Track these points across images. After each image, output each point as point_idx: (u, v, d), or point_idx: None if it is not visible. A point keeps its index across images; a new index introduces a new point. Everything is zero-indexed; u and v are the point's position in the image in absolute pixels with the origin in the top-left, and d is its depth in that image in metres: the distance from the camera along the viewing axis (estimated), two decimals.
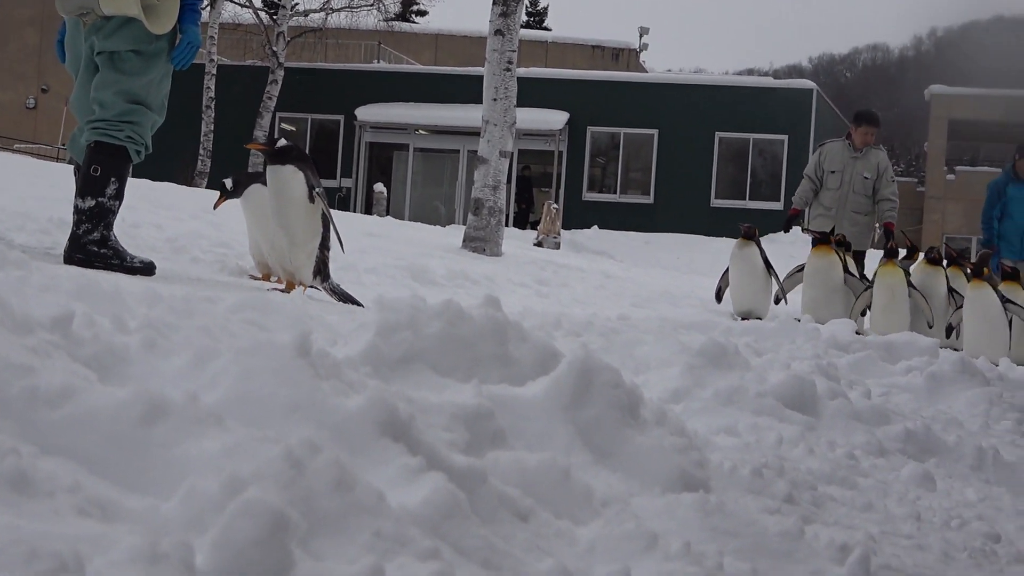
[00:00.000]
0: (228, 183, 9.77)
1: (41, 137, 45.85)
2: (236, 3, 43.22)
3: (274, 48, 38.55)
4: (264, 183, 9.22)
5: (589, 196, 41.49)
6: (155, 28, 8.23)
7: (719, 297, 14.40)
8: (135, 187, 8.38)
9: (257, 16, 43.29)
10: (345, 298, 8.88)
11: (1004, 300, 12.41)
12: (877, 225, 15.11)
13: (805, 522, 3.87)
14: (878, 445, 5.44)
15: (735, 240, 14.52)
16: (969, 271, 12.87)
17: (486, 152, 17.43)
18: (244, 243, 10.40)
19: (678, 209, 39.77)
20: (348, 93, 42.22)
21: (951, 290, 13.30)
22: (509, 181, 18.22)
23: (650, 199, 41.09)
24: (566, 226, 33.83)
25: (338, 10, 44.86)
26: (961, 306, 12.78)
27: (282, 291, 8.64)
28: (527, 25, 61.26)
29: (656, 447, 3.94)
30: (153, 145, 8.42)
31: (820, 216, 14.72)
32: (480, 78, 18.27)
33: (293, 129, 42.53)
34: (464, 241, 17.29)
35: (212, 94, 36.27)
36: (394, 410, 3.17)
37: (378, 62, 48.97)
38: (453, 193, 41.61)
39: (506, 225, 18.95)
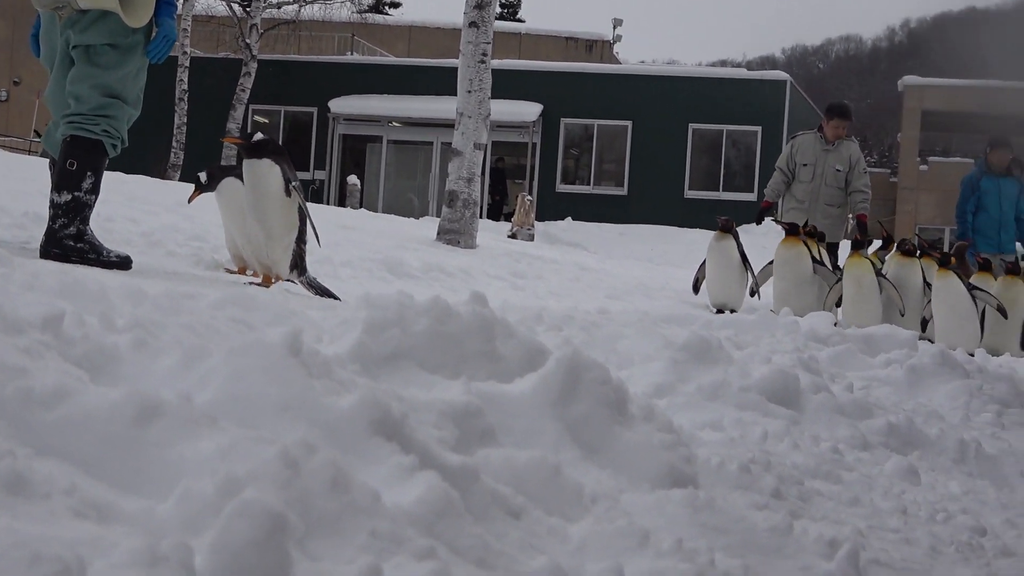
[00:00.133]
0: (202, 176, 9.74)
1: (13, 130, 45.67)
2: None
3: (247, 40, 38.47)
4: (238, 176, 9.20)
5: (563, 188, 41.49)
6: (132, 21, 8.19)
7: (696, 288, 14.41)
8: (108, 180, 8.36)
9: (230, 8, 43.21)
10: (322, 292, 8.86)
11: (971, 288, 12.45)
12: (850, 216, 15.15)
13: (793, 517, 3.87)
14: (862, 439, 5.44)
15: (711, 232, 14.53)
16: (937, 260, 12.90)
17: (460, 144, 17.40)
18: (219, 236, 10.37)
19: (652, 201, 39.80)
20: (321, 85, 42.14)
21: (926, 282, 13.33)
22: (483, 173, 18.16)
23: (624, 191, 41.12)
24: (540, 218, 33.85)
25: (311, 2, 44.81)
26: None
27: (259, 285, 8.62)
28: (500, 17, 61.25)
29: (644, 443, 3.94)
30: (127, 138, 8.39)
31: (793, 209, 14.75)
32: (454, 70, 18.24)
33: (266, 121, 42.44)
34: (438, 233, 17.26)
35: (185, 87, 36.18)
36: (387, 409, 3.16)
37: (352, 54, 48.91)
38: (427, 185, 41.58)
39: (480, 217, 18.92)
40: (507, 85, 35.70)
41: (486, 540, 2.96)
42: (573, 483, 3.54)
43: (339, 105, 41.87)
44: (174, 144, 35.55)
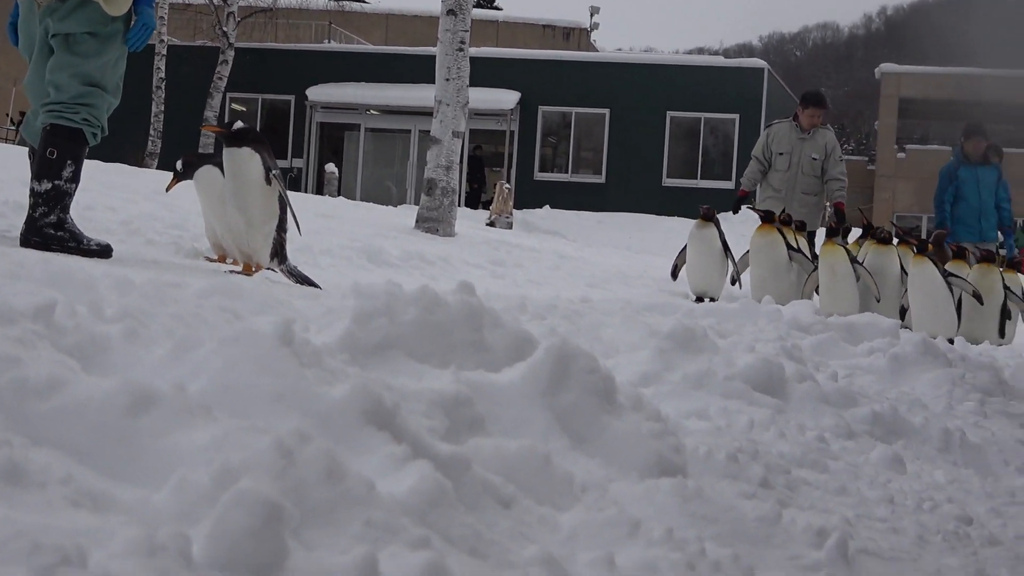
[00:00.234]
0: (179, 165, 9.73)
1: None
2: None
3: (224, 28, 38.33)
4: (216, 164, 9.20)
5: (541, 176, 41.46)
6: (112, 9, 8.17)
7: (675, 275, 14.43)
8: (87, 168, 8.33)
9: None
10: (302, 280, 8.85)
11: (947, 275, 12.48)
12: (828, 204, 15.16)
13: (781, 506, 3.88)
14: (847, 428, 5.45)
15: (689, 220, 14.54)
16: (914, 247, 12.93)
17: (439, 132, 17.37)
18: (198, 225, 10.34)
19: (630, 189, 39.79)
20: (299, 73, 42.04)
21: (904, 270, 13.36)
22: (461, 161, 18.12)
23: (602, 179, 41.11)
24: (518, 206, 33.80)
25: None
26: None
27: (239, 273, 8.61)
28: (478, 4, 61.15)
29: (633, 432, 3.95)
30: None
31: (770, 198, 14.77)
32: (431, 58, 18.19)
33: (243, 109, 42.34)
34: (417, 221, 17.23)
35: (162, 75, 36.03)
36: (379, 398, 3.16)
37: (329, 42, 48.78)
38: (404, 173, 41.52)
39: (458, 205, 18.91)
40: (485, 73, 35.66)
41: (478, 529, 2.96)
42: (563, 472, 3.54)
43: (317, 93, 41.78)
44: (152, 132, 35.41)
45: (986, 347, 10.21)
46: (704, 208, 14.27)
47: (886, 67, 56.62)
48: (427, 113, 21.33)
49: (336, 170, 36.16)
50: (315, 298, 6.17)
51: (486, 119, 40.37)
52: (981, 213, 15.50)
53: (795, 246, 13.52)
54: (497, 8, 67.73)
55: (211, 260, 9.52)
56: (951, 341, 9.66)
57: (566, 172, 41.70)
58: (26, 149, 8.79)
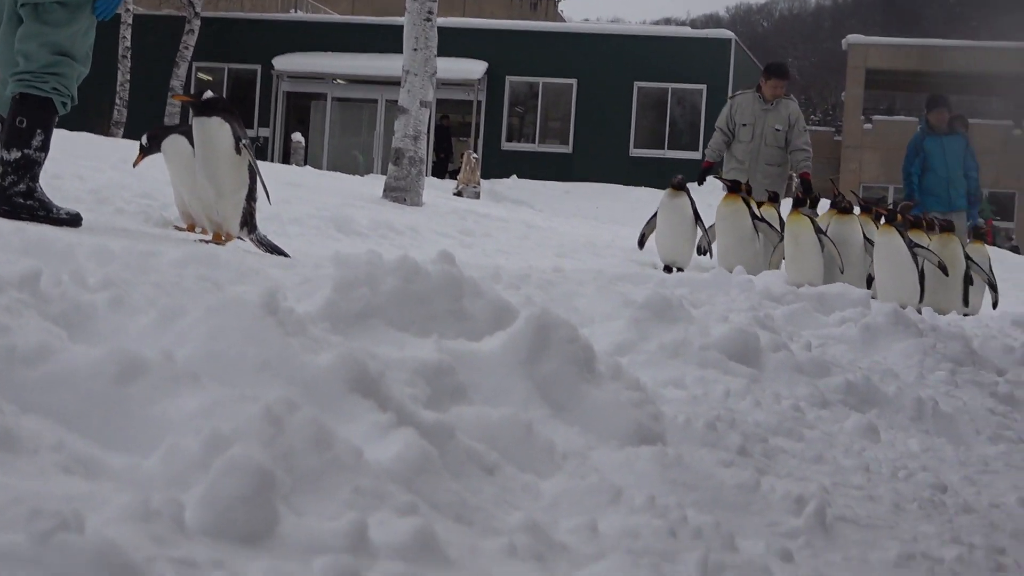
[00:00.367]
0: (144, 140, 9.72)
1: None
2: None
3: None
4: (182, 133, 9.20)
5: (508, 146, 41.44)
6: None
7: (642, 244, 14.44)
8: (54, 138, 8.31)
9: None
10: (272, 249, 8.85)
11: (913, 245, 12.54)
12: (794, 174, 15.19)
13: (760, 474, 3.91)
14: (821, 397, 5.48)
15: (656, 190, 14.57)
16: (883, 215, 12.98)
17: (406, 102, 17.34)
18: (167, 194, 10.33)
19: (597, 159, 39.79)
20: (265, 43, 41.88)
21: (866, 237, 13.43)
22: (428, 131, 18.10)
23: (569, 149, 41.10)
24: (485, 176, 33.75)
25: None
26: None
27: (209, 242, 8.60)
28: None
29: (612, 401, 3.97)
30: None
31: (734, 170, 14.77)
32: (398, 28, 18.14)
33: (210, 79, 42.17)
34: (385, 191, 17.21)
35: (128, 44, 35.85)
36: (364, 367, 3.18)
37: (295, 12, 48.60)
38: (371, 142, 41.43)
39: (425, 175, 18.89)
40: (452, 43, 35.56)
41: (463, 496, 2.99)
42: (544, 440, 3.56)
43: (283, 63, 41.64)
44: (117, 101, 35.26)
45: (954, 317, 10.26)
46: (678, 178, 14.28)
47: (853, 38, 56.71)
48: (394, 83, 21.30)
49: (303, 139, 36.09)
50: (290, 267, 6.17)
51: (453, 89, 40.31)
52: (949, 183, 15.55)
53: (760, 216, 13.57)
54: None
55: (180, 229, 9.51)
56: (919, 311, 9.72)
57: (533, 142, 41.69)
58: None
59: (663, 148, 40.55)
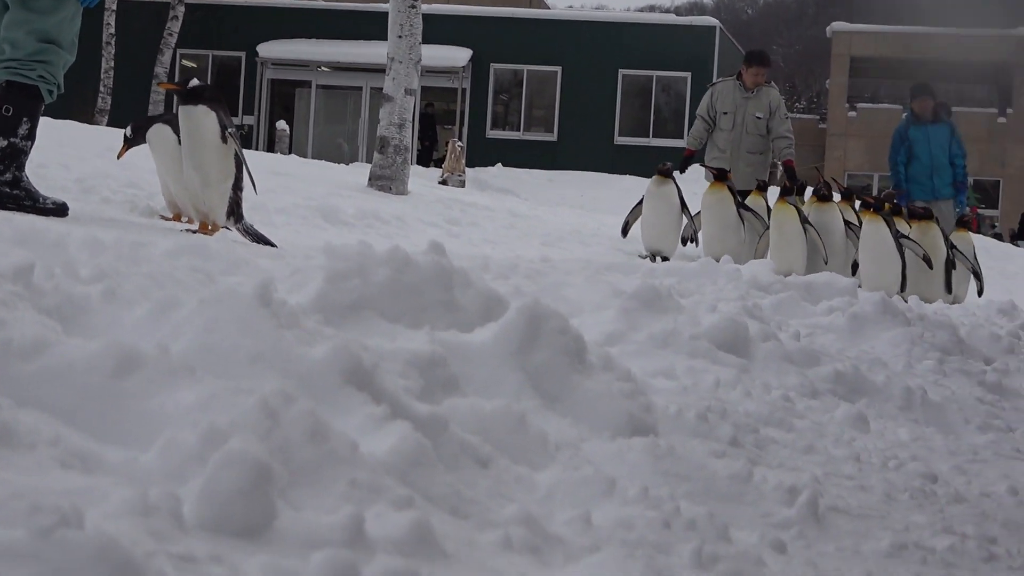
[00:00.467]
0: (128, 131, 9.70)
1: None
2: None
3: None
4: (167, 122, 9.19)
5: (493, 134, 41.40)
6: None
7: (625, 232, 14.43)
8: (39, 126, 8.30)
9: None
10: (259, 239, 8.84)
11: (899, 236, 12.57)
12: (778, 161, 15.19)
13: (752, 465, 3.91)
14: (810, 386, 5.48)
15: (642, 179, 14.56)
16: (871, 204, 13.01)
17: (391, 90, 17.28)
18: (152, 183, 10.30)
19: (582, 147, 39.77)
20: (250, 30, 41.79)
21: (847, 223, 13.47)
22: (413, 119, 18.06)
23: (554, 136, 41.08)
24: (470, 164, 33.67)
25: None
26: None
27: (195, 231, 8.59)
28: None
29: (604, 392, 3.97)
30: None
31: (716, 158, 14.76)
32: (383, 14, 18.08)
33: (194, 66, 42.07)
34: (370, 180, 17.15)
35: (112, 31, 35.72)
36: (358, 359, 3.18)
37: None
38: (356, 130, 41.37)
39: (411, 163, 18.84)
40: (437, 30, 35.47)
41: (458, 489, 2.99)
42: (537, 432, 3.57)
43: (267, 50, 41.56)
44: (101, 89, 35.12)
45: (940, 306, 10.27)
46: (665, 165, 14.26)
47: (837, 26, 56.77)
48: (378, 70, 21.23)
49: (287, 127, 36.01)
50: (279, 258, 6.17)
51: (437, 76, 40.24)
52: (933, 171, 15.55)
53: (745, 204, 13.59)
54: None
55: (166, 219, 9.50)
56: (905, 300, 9.73)
57: (518, 130, 41.66)
58: None
59: (648, 136, 40.54)
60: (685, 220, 13.98)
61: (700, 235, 13.96)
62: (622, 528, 3.09)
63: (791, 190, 13.32)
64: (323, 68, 41.71)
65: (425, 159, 39.11)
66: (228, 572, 2.18)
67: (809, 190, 15.04)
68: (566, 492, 3.27)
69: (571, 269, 7.79)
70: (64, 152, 12.50)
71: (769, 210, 13.53)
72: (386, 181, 16.93)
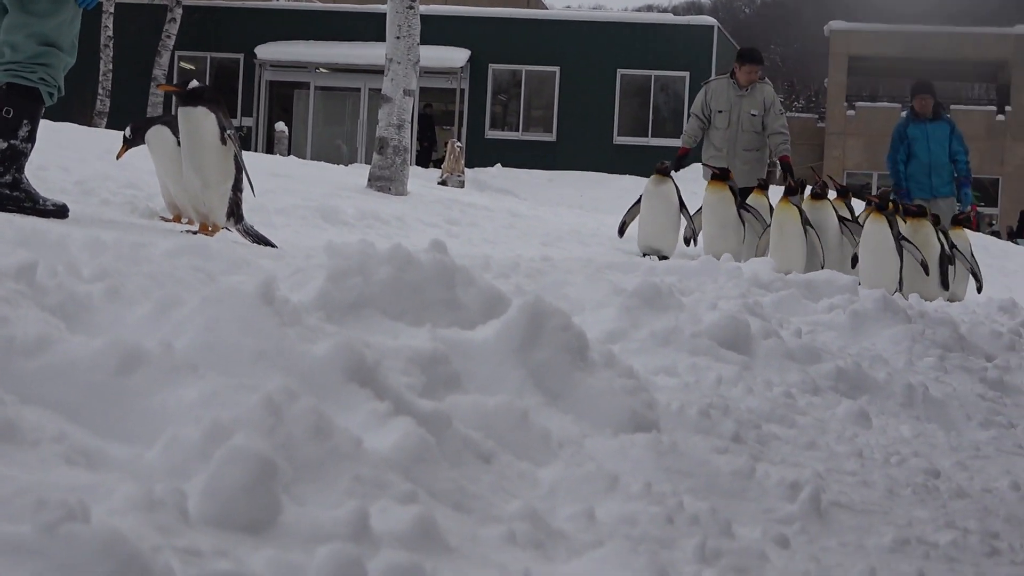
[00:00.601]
0: (128, 132, 9.71)
1: None
2: None
3: None
4: (165, 123, 9.19)
5: (491, 134, 41.40)
6: None
7: (622, 232, 14.43)
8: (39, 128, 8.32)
9: None
10: (259, 239, 8.84)
11: (900, 238, 12.61)
12: (776, 160, 15.17)
13: (754, 461, 3.92)
14: (812, 383, 5.49)
15: (641, 179, 14.54)
16: (874, 204, 13.03)
17: (390, 91, 17.27)
18: (152, 184, 10.31)
19: (581, 147, 39.78)
20: (248, 31, 41.79)
21: (842, 220, 13.50)
22: (412, 120, 18.04)
23: (553, 137, 41.09)
24: (469, 164, 33.67)
25: None
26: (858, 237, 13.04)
27: (195, 233, 8.60)
28: None
29: (606, 389, 3.98)
30: None
31: (712, 157, 14.74)
32: (380, 15, 18.08)
33: (192, 68, 42.08)
34: (369, 180, 17.15)
35: (110, 33, 35.74)
36: (361, 356, 3.19)
37: (277, 0, 48.51)
38: (355, 132, 41.38)
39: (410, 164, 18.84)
40: (435, 31, 35.48)
41: (462, 484, 3.00)
42: (540, 428, 3.57)
43: (265, 51, 41.55)
44: (100, 91, 35.14)
45: (940, 304, 10.28)
46: (663, 164, 14.25)
47: (835, 24, 56.80)
48: (377, 71, 21.24)
49: (286, 129, 36.00)
50: (280, 258, 6.18)
51: (436, 77, 40.24)
52: (932, 169, 15.52)
53: (745, 204, 13.60)
54: None
55: (166, 220, 9.50)
56: (906, 299, 9.74)
57: (517, 130, 41.66)
58: None
59: (647, 136, 40.54)
60: (683, 219, 13.97)
61: (700, 234, 13.95)
62: (625, 523, 3.09)
63: (795, 190, 13.32)
64: (321, 69, 41.71)
65: (424, 160, 39.12)
66: (233, 566, 2.19)
67: (808, 189, 15.06)
68: (569, 488, 3.28)
69: (572, 268, 7.80)
70: (64, 154, 12.50)
71: (771, 209, 13.54)
72: (385, 182, 16.93)
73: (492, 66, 41.47)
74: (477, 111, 41.45)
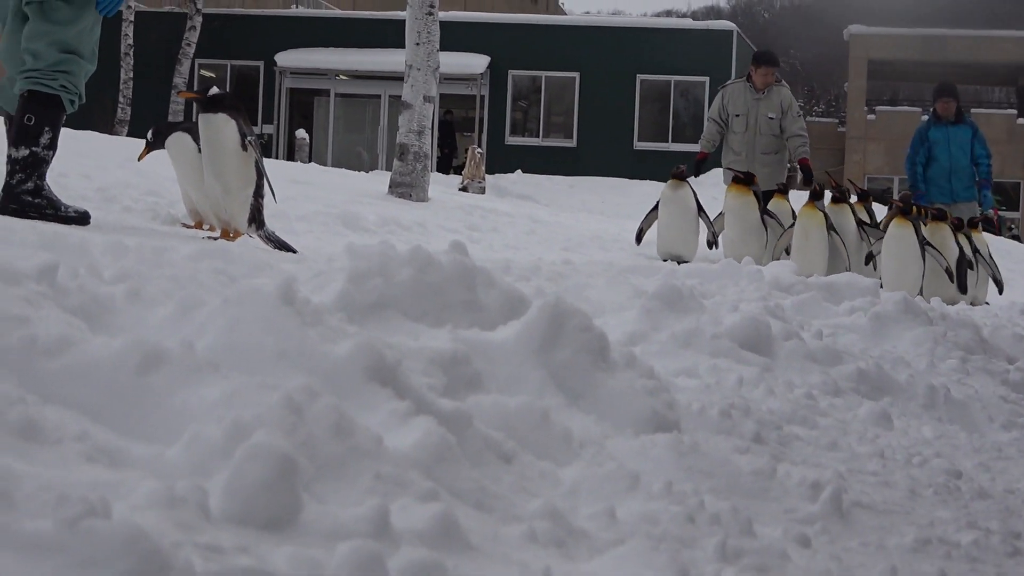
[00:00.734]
0: (150, 135, 9.75)
1: None
2: None
3: None
4: (187, 130, 9.22)
5: (512, 140, 41.43)
6: None
7: (639, 239, 14.39)
8: (60, 136, 8.34)
9: None
10: (280, 245, 8.85)
11: (924, 243, 12.59)
12: (797, 164, 15.14)
13: (776, 461, 3.92)
14: (833, 385, 5.48)
15: (661, 184, 14.48)
16: (899, 208, 13.01)
17: (410, 97, 17.30)
18: (174, 191, 10.34)
19: (601, 152, 39.78)
20: (268, 39, 41.88)
21: (860, 223, 13.48)
22: (432, 126, 18.06)
23: (573, 142, 41.11)
24: (489, 170, 33.74)
25: None
26: (876, 239, 13.04)
27: (217, 239, 8.61)
28: None
29: (627, 389, 3.98)
30: None
31: (732, 162, 14.67)
32: (400, 22, 18.10)
33: (213, 76, 42.16)
34: (390, 187, 17.18)
35: (130, 41, 35.83)
36: (381, 356, 3.19)
37: (297, 7, 48.62)
38: (375, 138, 41.44)
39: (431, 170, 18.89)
40: (454, 37, 35.54)
41: (483, 483, 3.00)
42: (561, 428, 3.58)
43: (285, 59, 41.65)
44: (121, 99, 35.23)
45: (962, 307, 10.27)
46: (677, 167, 14.22)
47: (854, 28, 56.73)
48: (397, 78, 21.25)
49: (307, 136, 36.09)
50: (300, 262, 6.19)
51: (456, 84, 40.27)
52: (952, 173, 15.48)
53: (768, 210, 13.57)
54: None
55: (188, 227, 9.52)
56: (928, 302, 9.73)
57: (537, 136, 41.68)
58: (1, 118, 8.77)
59: (667, 141, 40.53)
60: (703, 223, 13.94)
61: (721, 237, 13.92)
62: (646, 522, 3.09)
63: (820, 194, 13.29)
64: (341, 76, 41.79)
65: (445, 166, 39.16)
66: (254, 562, 2.19)
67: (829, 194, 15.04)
68: (590, 487, 3.28)
69: (593, 271, 7.80)
70: (85, 162, 12.54)
71: (793, 214, 13.52)
72: (406, 188, 16.95)
73: (512, 72, 41.50)
74: (497, 117, 41.48)
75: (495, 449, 3.25)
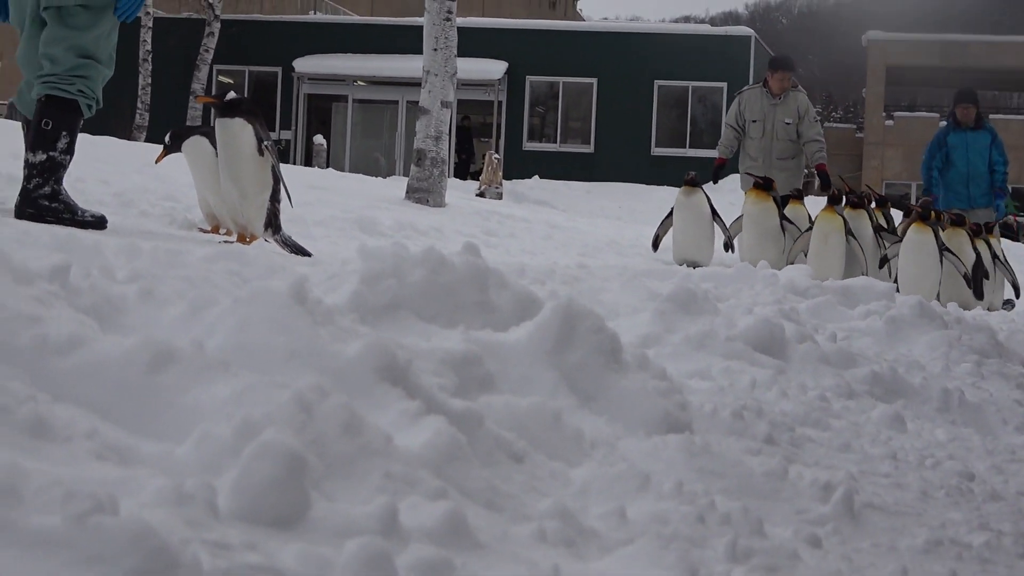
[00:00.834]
0: (168, 138, 9.77)
1: None
2: None
3: (210, 0, 38.23)
4: (204, 135, 9.24)
5: (529, 146, 41.45)
6: None
7: (656, 246, 14.40)
8: (78, 141, 8.36)
9: None
10: (297, 249, 8.87)
11: (943, 248, 12.58)
12: (813, 170, 15.12)
13: (787, 462, 3.92)
14: (847, 387, 5.48)
15: (680, 188, 14.49)
16: (918, 213, 13.00)
17: (427, 103, 17.33)
18: (191, 196, 10.37)
19: (619, 158, 39.78)
20: (285, 45, 41.95)
21: (877, 229, 13.47)
22: (450, 132, 18.10)
23: (590, 148, 41.11)
24: (507, 176, 33.74)
25: None
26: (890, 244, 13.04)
27: (233, 243, 8.63)
28: None
29: (640, 390, 3.99)
30: None
31: (749, 167, 14.69)
32: (418, 28, 18.13)
33: (231, 82, 42.24)
34: (407, 192, 17.21)
35: (149, 47, 35.91)
36: (392, 355, 3.20)
37: (315, 13, 48.68)
38: (393, 144, 41.49)
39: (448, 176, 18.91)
40: (472, 43, 35.56)
41: (493, 483, 3.01)
42: (572, 429, 3.59)
43: (303, 65, 41.71)
44: (139, 105, 35.32)
45: (978, 312, 10.26)
46: (689, 174, 14.23)
47: (872, 34, 56.65)
48: (414, 84, 21.28)
49: (324, 142, 36.14)
50: (315, 265, 6.20)
51: (473, 89, 40.30)
52: (969, 179, 15.47)
53: (787, 216, 13.56)
54: None
55: (204, 231, 9.54)
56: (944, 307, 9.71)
57: (554, 142, 41.70)
58: (16, 123, 8.80)
59: (685, 147, 40.53)
60: (718, 228, 13.94)
61: (737, 241, 13.92)
62: (656, 522, 3.10)
63: (839, 199, 13.28)
64: (359, 82, 41.84)
65: (462, 172, 39.19)
66: (263, 559, 2.20)
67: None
68: (601, 487, 3.29)
69: (608, 275, 7.80)
70: (102, 167, 12.58)
71: (809, 218, 13.51)
72: (423, 193, 16.98)
73: (530, 78, 41.53)
74: (515, 123, 41.50)
75: (506, 449, 3.26)
